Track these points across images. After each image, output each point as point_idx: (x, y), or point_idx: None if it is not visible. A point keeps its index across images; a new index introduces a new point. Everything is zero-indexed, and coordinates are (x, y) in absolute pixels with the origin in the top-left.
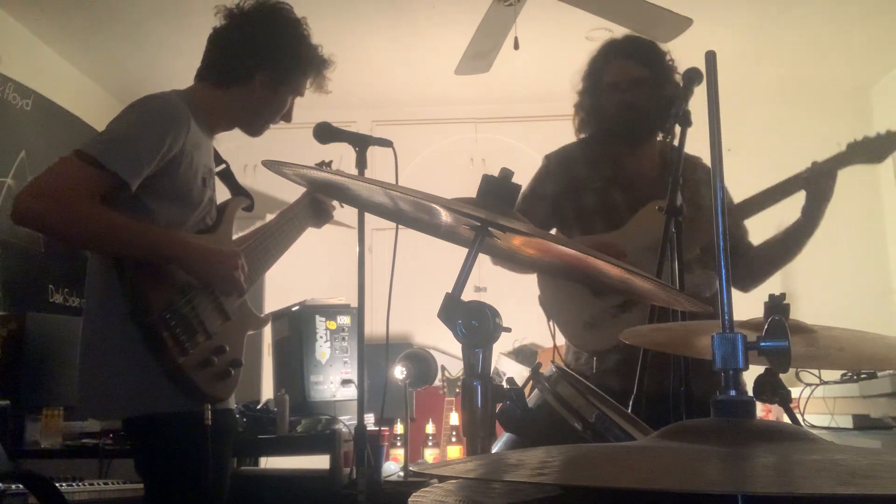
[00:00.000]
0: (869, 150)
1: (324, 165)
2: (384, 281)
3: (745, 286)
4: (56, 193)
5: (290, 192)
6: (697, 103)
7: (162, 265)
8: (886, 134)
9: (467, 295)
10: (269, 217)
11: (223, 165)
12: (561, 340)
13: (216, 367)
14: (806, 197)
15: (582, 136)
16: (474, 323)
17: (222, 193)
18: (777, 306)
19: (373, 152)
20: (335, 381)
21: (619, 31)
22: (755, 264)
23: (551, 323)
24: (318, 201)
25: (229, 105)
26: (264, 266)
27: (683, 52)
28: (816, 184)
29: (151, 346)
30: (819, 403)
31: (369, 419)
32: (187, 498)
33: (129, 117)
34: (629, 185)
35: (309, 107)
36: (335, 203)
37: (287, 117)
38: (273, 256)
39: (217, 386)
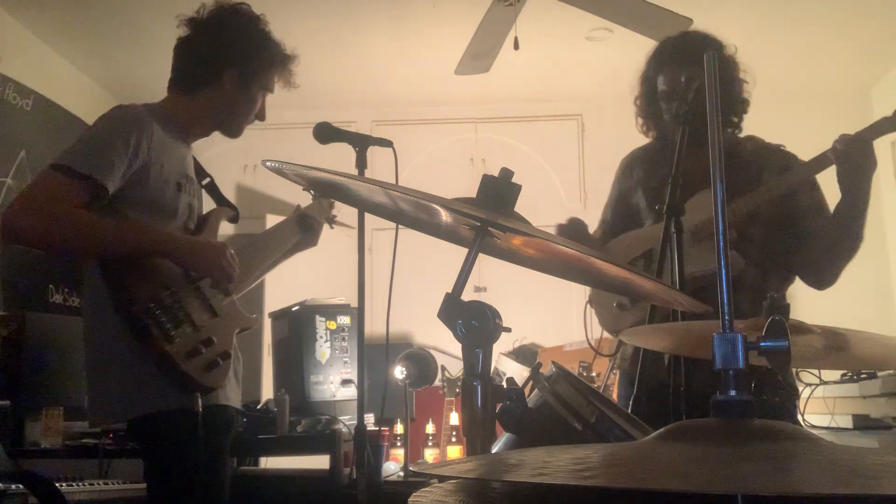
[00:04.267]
0: None
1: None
2: (384, 281)
3: (816, 280)
4: (41, 207)
5: (291, 192)
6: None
7: (145, 263)
8: None
9: (467, 295)
10: (269, 217)
11: (208, 179)
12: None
13: (203, 356)
14: (838, 172)
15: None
16: (474, 323)
17: (209, 206)
18: (777, 306)
19: (373, 152)
20: (335, 381)
21: (620, 31)
22: (819, 253)
23: (587, 314)
24: (306, 219)
25: (202, 109)
26: (248, 274)
27: None
28: (847, 157)
29: (138, 336)
30: (819, 403)
31: (369, 419)
32: (188, 494)
33: (95, 127)
34: (684, 181)
35: (309, 107)
36: (333, 212)
37: (261, 116)
38: (256, 266)
39: (205, 375)
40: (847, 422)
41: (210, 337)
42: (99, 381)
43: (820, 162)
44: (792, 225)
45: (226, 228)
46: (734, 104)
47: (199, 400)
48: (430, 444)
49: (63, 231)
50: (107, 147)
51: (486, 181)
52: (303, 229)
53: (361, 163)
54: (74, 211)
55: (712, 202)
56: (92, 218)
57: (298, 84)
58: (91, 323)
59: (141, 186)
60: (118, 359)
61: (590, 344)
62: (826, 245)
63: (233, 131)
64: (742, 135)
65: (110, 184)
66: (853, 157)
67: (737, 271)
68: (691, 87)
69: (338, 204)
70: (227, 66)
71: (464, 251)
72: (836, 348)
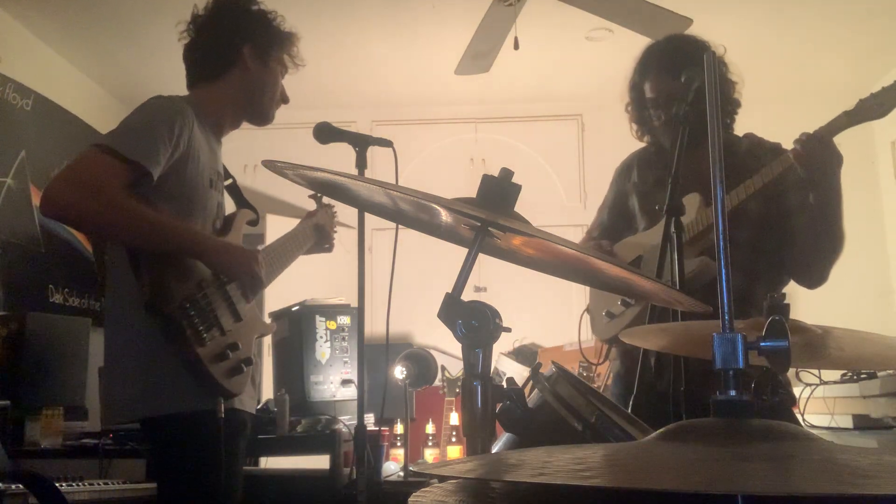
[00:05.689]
0: (866, 110)
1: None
2: (384, 281)
3: (806, 280)
4: (89, 184)
5: (291, 193)
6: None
7: (181, 261)
8: (881, 90)
9: (467, 295)
10: (269, 216)
11: (230, 180)
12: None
13: (230, 361)
14: (802, 173)
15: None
16: (474, 323)
17: (229, 207)
18: (777, 306)
19: (373, 152)
20: (335, 381)
21: (620, 31)
22: (805, 253)
23: (582, 322)
24: (321, 229)
25: (228, 94)
26: (268, 282)
27: None
28: (808, 157)
29: (171, 336)
30: (819, 403)
31: (369, 419)
32: (203, 496)
33: (139, 113)
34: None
35: (309, 107)
36: (336, 225)
37: (284, 98)
38: (275, 274)
39: (229, 380)
40: (847, 422)
41: (235, 341)
42: (116, 378)
43: (782, 163)
44: (781, 225)
45: None
46: (725, 105)
47: (222, 405)
48: (430, 444)
49: (110, 213)
50: (151, 133)
51: (486, 181)
52: (317, 237)
53: (361, 163)
54: (121, 194)
55: (692, 208)
56: (139, 206)
57: (305, 62)
58: (113, 318)
59: (176, 178)
60: (138, 356)
61: (581, 353)
62: (809, 244)
63: (262, 115)
64: (738, 133)
65: (155, 171)
66: (814, 156)
67: (710, 277)
68: (691, 87)
69: (338, 204)
70: (243, 42)
71: (464, 251)
72: (836, 348)
